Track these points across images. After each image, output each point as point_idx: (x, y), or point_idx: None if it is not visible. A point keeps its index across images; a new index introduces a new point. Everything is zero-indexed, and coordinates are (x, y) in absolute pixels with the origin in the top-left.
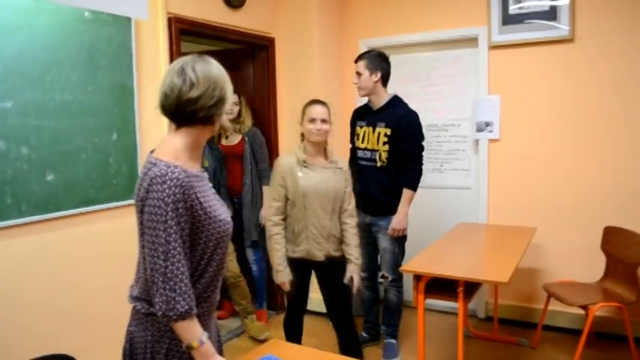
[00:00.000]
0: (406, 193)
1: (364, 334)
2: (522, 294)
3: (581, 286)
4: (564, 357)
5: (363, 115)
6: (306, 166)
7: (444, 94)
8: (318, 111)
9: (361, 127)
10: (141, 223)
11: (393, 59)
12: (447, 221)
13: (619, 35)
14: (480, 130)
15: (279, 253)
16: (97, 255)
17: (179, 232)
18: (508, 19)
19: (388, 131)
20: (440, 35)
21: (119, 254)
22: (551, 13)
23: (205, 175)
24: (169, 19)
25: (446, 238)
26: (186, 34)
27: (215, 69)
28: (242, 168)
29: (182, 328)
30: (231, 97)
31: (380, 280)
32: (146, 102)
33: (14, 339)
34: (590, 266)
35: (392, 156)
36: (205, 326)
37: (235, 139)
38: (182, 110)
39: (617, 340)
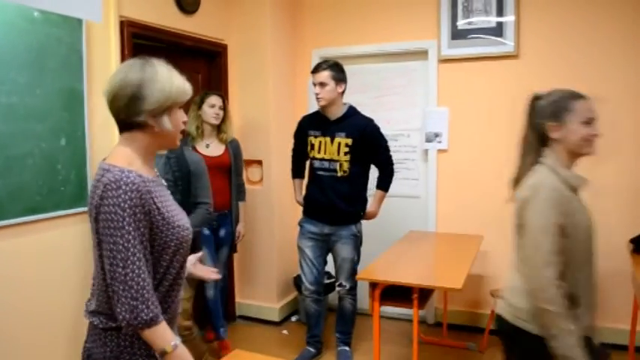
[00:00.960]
0: (381, 194)
1: (311, 349)
2: (470, 300)
3: None
4: None
5: (316, 124)
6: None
7: (394, 105)
8: None
9: (316, 137)
10: (96, 232)
11: (346, 69)
12: (397, 229)
13: (561, 50)
14: (429, 140)
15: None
16: (44, 266)
17: (138, 238)
18: (457, 34)
19: (349, 141)
20: (391, 47)
21: (68, 265)
22: (498, 30)
23: (161, 180)
24: (122, 23)
25: (398, 246)
26: (139, 37)
27: (134, 70)
28: (227, 181)
29: (151, 335)
30: (155, 96)
31: (337, 288)
32: (96, 106)
33: None
34: None
35: (353, 165)
36: None
37: (218, 149)
38: (113, 114)
39: None
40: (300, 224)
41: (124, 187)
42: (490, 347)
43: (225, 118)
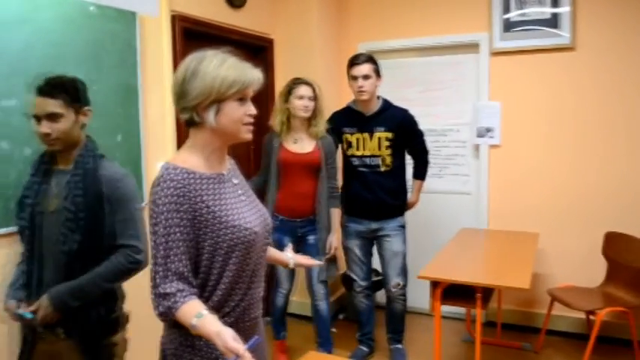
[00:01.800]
0: (420, 184)
1: (364, 348)
2: (524, 299)
3: (584, 291)
4: None
5: (350, 121)
6: None
7: (443, 100)
8: None
9: (352, 134)
10: None
11: (392, 63)
12: (448, 226)
13: (620, 43)
14: (480, 135)
15: None
16: None
17: (172, 235)
18: (509, 26)
19: (390, 135)
20: (440, 40)
21: None
22: (553, 21)
23: (229, 176)
24: (173, 17)
25: (453, 244)
26: (189, 32)
27: (182, 66)
28: (314, 184)
29: (179, 320)
30: (196, 91)
31: (393, 289)
32: (150, 102)
33: None
34: (590, 271)
35: (395, 158)
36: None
37: (307, 145)
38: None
39: (619, 345)
40: (345, 224)
41: (162, 184)
42: (546, 347)
43: (316, 111)
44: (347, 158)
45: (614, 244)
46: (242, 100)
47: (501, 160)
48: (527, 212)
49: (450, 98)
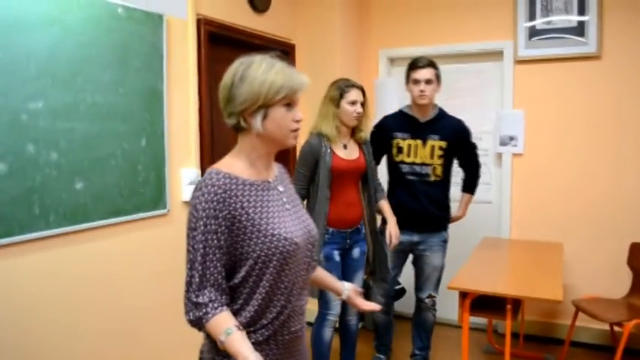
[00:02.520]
0: (469, 197)
1: (381, 356)
2: (547, 310)
3: (610, 302)
4: None
5: (403, 126)
6: None
7: (466, 107)
8: None
9: (404, 139)
10: None
11: None
12: (468, 235)
13: None
14: (503, 144)
15: None
16: (127, 270)
17: (209, 241)
18: (534, 34)
19: (444, 144)
20: (463, 48)
21: (150, 269)
22: (579, 29)
23: (273, 185)
24: (198, 20)
25: (477, 254)
26: (213, 36)
27: (230, 71)
28: (359, 190)
29: (208, 332)
30: (243, 96)
31: (427, 299)
32: (175, 106)
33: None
34: (615, 282)
35: (446, 169)
36: None
37: (354, 151)
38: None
39: None
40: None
41: (203, 188)
42: (570, 359)
43: (363, 115)
44: (395, 164)
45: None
46: (289, 105)
47: (524, 168)
48: (551, 222)
49: (473, 106)
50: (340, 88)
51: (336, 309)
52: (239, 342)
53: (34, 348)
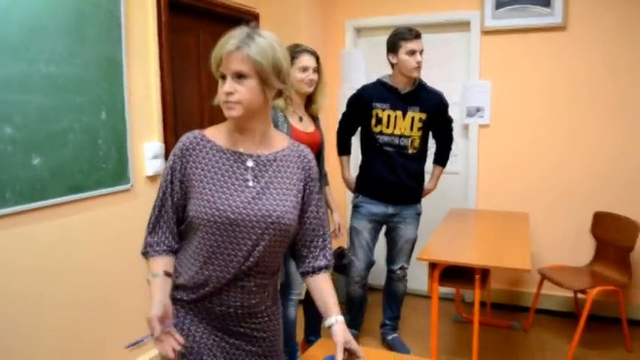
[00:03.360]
0: (440, 170)
1: (353, 330)
2: (512, 278)
3: (574, 270)
4: (557, 339)
5: (383, 97)
6: None
7: (433, 79)
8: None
9: (383, 109)
10: None
11: (379, 40)
12: (435, 206)
13: (611, 23)
14: (470, 115)
15: None
16: (89, 247)
17: (169, 186)
18: (501, 4)
19: (423, 116)
20: (430, 18)
21: (112, 244)
22: (545, 0)
23: (241, 158)
24: None
25: (445, 225)
26: (174, 5)
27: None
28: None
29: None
30: (216, 63)
31: (398, 270)
32: (135, 78)
33: (14, 338)
34: (578, 250)
35: (423, 142)
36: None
37: (309, 124)
38: None
39: (607, 322)
40: (358, 204)
41: (178, 143)
42: (535, 326)
43: (318, 84)
44: (372, 135)
45: (603, 223)
46: (223, 77)
47: (491, 140)
48: (517, 192)
49: (440, 77)
50: (289, 53)
51: (299, 288)
52: (156, 288)
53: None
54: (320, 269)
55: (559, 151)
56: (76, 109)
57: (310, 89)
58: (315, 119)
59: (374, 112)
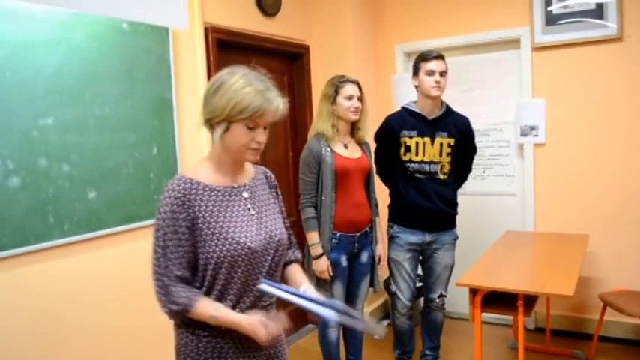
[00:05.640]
0: None
1: None
2: (574, 304)
3: (639, 295)
4: None
5: (410, 124)
6: None
7: (485, 98)
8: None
9: (411, 137)
10: None
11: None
12: (492, 229)
13: None
14: (524, 134)
15: None
16: (142, 273)
17: (173, 240)
18: (552, 19)
19: (452, 141)
20: (479, 38)
21: None
22: (598, 11)
23: (237, 191)
24: (206, 29)
25: (495, 248)
26: (222, 43)
27: (215, 77)
28: (365, 192)
29: (194, 316)
30: (212, 106)
31: (437, 298)
32: (185, 115)
33: None
34: None
35: (453, 167)
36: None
37: (356, 150)
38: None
39: None
40: (394, 235)
41: (167, 192)
42: (599, 355)
43: (362, 112)
44: (402, 164)
45: None
46: (253, 127)
47: (547, 159)
48: (576, 213)
49: (492, 97)
50: (335, 85)
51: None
52: (228, 312)
53: (53, 351)
54: (292, 261)
55: (619, 169)
56: (129, 147)
57: (356, 117)
58: (362, 145)
59: (402, 141)
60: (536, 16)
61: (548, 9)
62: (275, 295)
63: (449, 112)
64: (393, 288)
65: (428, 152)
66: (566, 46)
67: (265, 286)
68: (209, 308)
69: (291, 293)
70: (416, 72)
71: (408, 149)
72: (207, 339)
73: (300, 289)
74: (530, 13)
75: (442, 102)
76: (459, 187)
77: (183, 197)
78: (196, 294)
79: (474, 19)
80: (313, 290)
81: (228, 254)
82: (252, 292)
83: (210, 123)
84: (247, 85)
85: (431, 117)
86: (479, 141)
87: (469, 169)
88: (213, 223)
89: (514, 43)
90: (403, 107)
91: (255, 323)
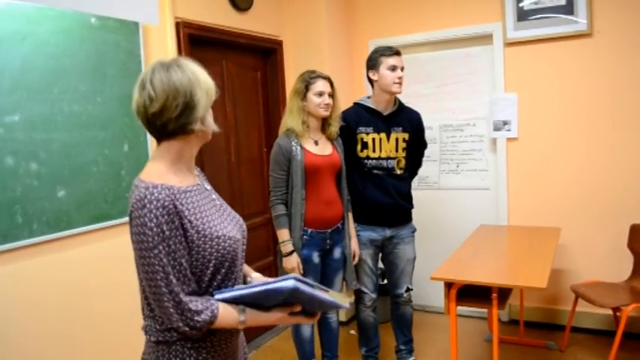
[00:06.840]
0: None
1: None
2: (547, 296)
3: (610, 287)
4: (595, 359)
5: (365, 120)
6: None
7: (458, 94)
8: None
9: (368, 133)
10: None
11: (404, 59)
12: (467, 223)
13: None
14: (497, 129)
15: None
16: (113, 275)
17: (171, 255)
18: (523, 15)
19: (406, 136)
20: (452, 33)
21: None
22: (568, 7)
23: (203, 187)
24: (177, 24)
25: (470, 242)
26: (194, 38)
27: (175, 75)
28: (336, 188)
29: (220, 325)
30: (204, 101)
31: (405, 293)
32: None
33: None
34: (617, 266)
35: (407, 162)
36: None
37: (327, 146)
38: (153, 125)
39: None
40: (356, 233)
41: (148, 205)
42: (571, 345)
43: (333, 109)
44: (359, 160)
45: None
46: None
47: (519, 153)
48: (549, 206)
49: (465, 92)
50: (305, 80)
51: None
52: (255, 312)
53: (18, 356)
54: None
55: (590, 162)
56: (99, 144)
57: (327, 113)
58: (333, 141)
59: (359, 137)
60: (508, 11)
61: (520, 5)
62: (232, 297)
63: (402, 107)
64: (358, 284)
65: (384, 148)
66: (537, 42)
67: (219, 296)
68: (233, 313)
69: (245, 288)
70: (374, 67)
71: (365, 145)
72: (205, 350)
73: (252, 277)
74: (502, 9)
75: (395, 97)
76: (411, 180)
77: (170, 204)
78: (211, 301)
79: (447, 15)
80: (262, 276)
81: (226, 251)
82: (240, 284)
83: (203, 119)
84: (201, 68)
85: (386, 112)
86: (452, 136)
87: (420, 164)
88: (201, 225)
89: (486, 38)
90: (356, 103)
91: (285, 314)
